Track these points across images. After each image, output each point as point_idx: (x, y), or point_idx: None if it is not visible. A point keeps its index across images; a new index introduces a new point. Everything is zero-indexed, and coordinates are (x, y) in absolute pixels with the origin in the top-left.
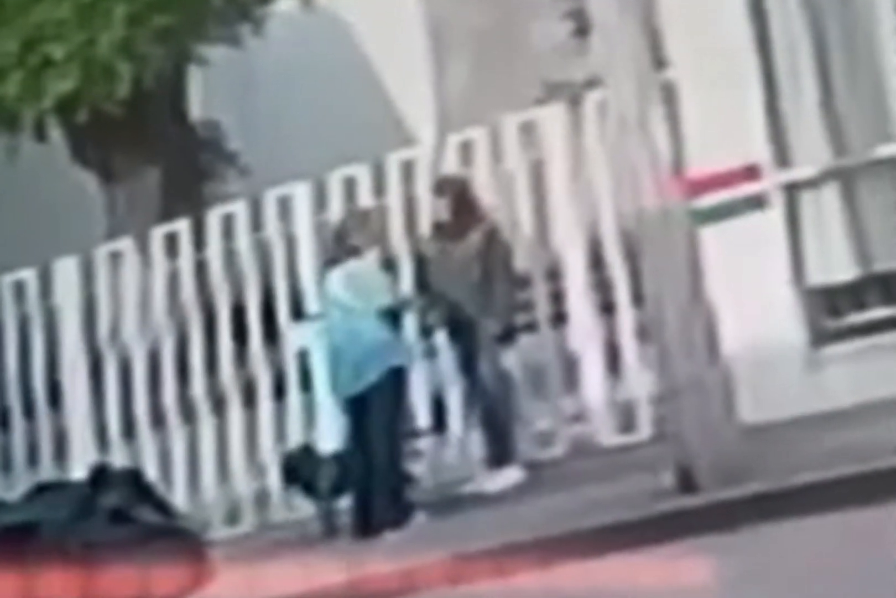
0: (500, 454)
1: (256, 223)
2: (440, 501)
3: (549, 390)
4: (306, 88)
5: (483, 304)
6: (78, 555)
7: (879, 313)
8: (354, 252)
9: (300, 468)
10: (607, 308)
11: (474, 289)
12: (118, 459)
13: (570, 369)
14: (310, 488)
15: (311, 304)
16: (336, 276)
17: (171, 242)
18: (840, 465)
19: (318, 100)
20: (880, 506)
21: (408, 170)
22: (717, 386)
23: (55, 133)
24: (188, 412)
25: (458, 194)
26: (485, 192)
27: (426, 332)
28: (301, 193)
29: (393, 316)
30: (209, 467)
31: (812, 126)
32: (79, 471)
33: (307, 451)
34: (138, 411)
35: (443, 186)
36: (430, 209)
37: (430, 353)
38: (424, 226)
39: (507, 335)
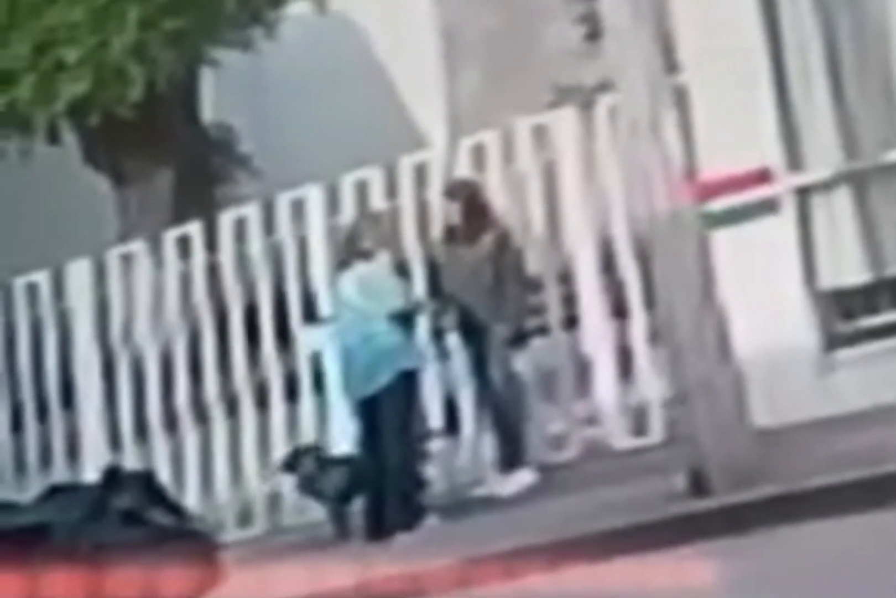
0: (512, 457)
1: (269, 226)
2: (452, 504)
3: (561, 393)
4: (319, 91)
5: (495, 307)
6: (89, 557)
7: (891, 316)
8: (366, 255)
9: (308, 468)
10: (619, 311)
11: (486, 292)
12: (131, 461)
13: (583, 372)
14: (320, 491)
15: (324, 306)
16: (348, 279)
17: (184, 244)
18: (852, 468)
19: (331, 103)
20: (893, 509)
21: (420, 173)
22: (729, 389)
23: (68, 136)
24: (201, 414)
25: (469, 198)
26: (497, 195)
27: (438, 335)
28: (314, 196)
29: (405, 319)
30: (222, 469)
31: (824, 129)
32: (91, 473)
33: (316, 451)
34: (151, 413)
35: (454, 189)
36: (441, 213)
37: (442, 356)
38: (436, 229)
39: (519, 338)
